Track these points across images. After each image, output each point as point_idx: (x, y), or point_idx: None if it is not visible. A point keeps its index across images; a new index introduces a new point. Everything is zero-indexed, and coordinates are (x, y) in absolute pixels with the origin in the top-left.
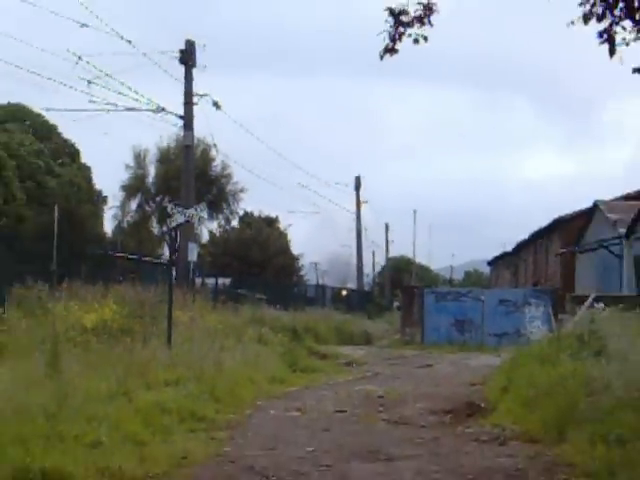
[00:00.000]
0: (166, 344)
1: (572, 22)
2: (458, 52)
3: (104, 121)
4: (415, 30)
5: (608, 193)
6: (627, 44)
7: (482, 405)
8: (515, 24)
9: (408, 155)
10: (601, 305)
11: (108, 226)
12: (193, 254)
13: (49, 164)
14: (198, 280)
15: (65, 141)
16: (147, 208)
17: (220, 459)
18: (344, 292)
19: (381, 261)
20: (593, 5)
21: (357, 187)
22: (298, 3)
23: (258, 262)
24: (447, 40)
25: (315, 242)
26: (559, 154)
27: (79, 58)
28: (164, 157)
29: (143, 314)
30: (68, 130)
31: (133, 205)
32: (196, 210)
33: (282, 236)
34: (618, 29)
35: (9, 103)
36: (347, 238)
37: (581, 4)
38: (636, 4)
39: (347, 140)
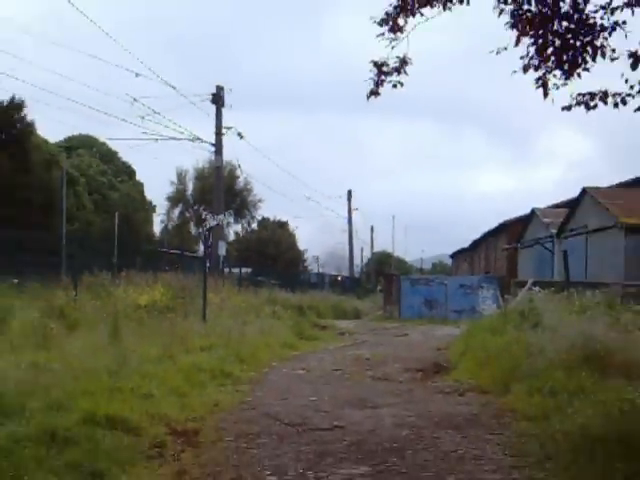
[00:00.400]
0: (201, 319)
1: (515, 71)
2: (428, 94)
3: (153, 148)
4: (394, 78)
5: (542, 203)
6: (557, 88)
7: (445, 365)
8: (471, 71)
9: (390, 173)
10: (537, 288)
11: (157, 228)
12: (222, 250)
13: (111, 181)
14: (226, 270)
15: (123, 163)
16: (187, 214)
17: (243, 407)
18: (339, 278)
19: (367, 254)
20: (531, 58)
21: (349, 198)
22: (304, 57)
23: (272, 256)
24: (419, 84)
25: (316, 240)
26: (505, 173)
27: (134, 100)
28: (200, 175)
29: (184, 295)
30: (126, 155)
31: (176, 212)
32: (224, 216)
33: (291, 236)
34: (550, 77)
35: (80, 134)
36: (341, 237)
37: (522, 57)
38: (564, 58)
39: (342, 162)
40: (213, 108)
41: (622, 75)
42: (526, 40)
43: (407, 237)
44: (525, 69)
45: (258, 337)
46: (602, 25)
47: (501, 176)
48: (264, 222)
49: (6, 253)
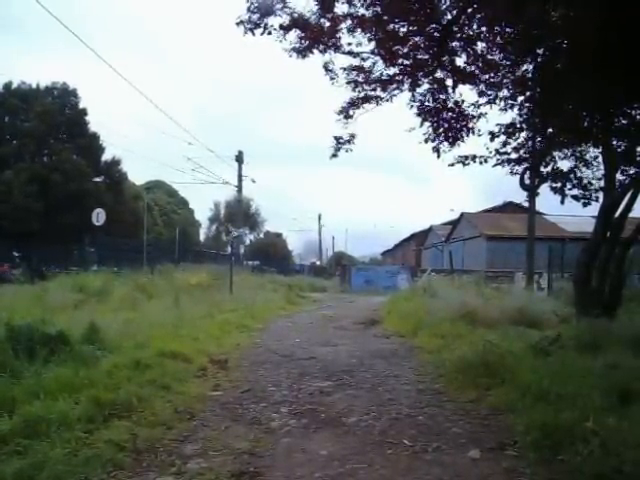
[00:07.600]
0: (229, 292)
1: (420, 142)
2: (369, 153)
3: (200, 187)
4: (346, 146)
5: (436, 221)
6: (445, 152)
7: (378, 320)
8: (394, 141)
9: (346, 205)
10: (433, 273)
11: (202, 237)
12: (241, 250)
13: (174, 208)
14: (244, 262)
15: (182, 197)
16: (220, 229)
17: (254, 345)
18: (317, 263)
19: (330, 252)
20: (430, 134)
21: (319, 219)
22: (290, 131)
23: (272, 253)
24: (363, 147)
25: (300, 243)
26: (415, 202)
27: (188, 158)
28: (228, 205)
29: (218, 278)
30: (183, 192)
31: (213, 227)
32: (243, 230)
33: (283, 241)
34: (441, 146)
35: (155, 179)
36: (315, 242)
37: (424, 134)
38: (450, 135)
39: (317, 197)
40: (235, 164)
41: (484, 144)
42: (427, 123)
43: (355, 242)
44: (426, 141)
45: (263, 303)
46: (472, 115)
47: (413, 204)
48: (267, 233)
49: (110, 252)
